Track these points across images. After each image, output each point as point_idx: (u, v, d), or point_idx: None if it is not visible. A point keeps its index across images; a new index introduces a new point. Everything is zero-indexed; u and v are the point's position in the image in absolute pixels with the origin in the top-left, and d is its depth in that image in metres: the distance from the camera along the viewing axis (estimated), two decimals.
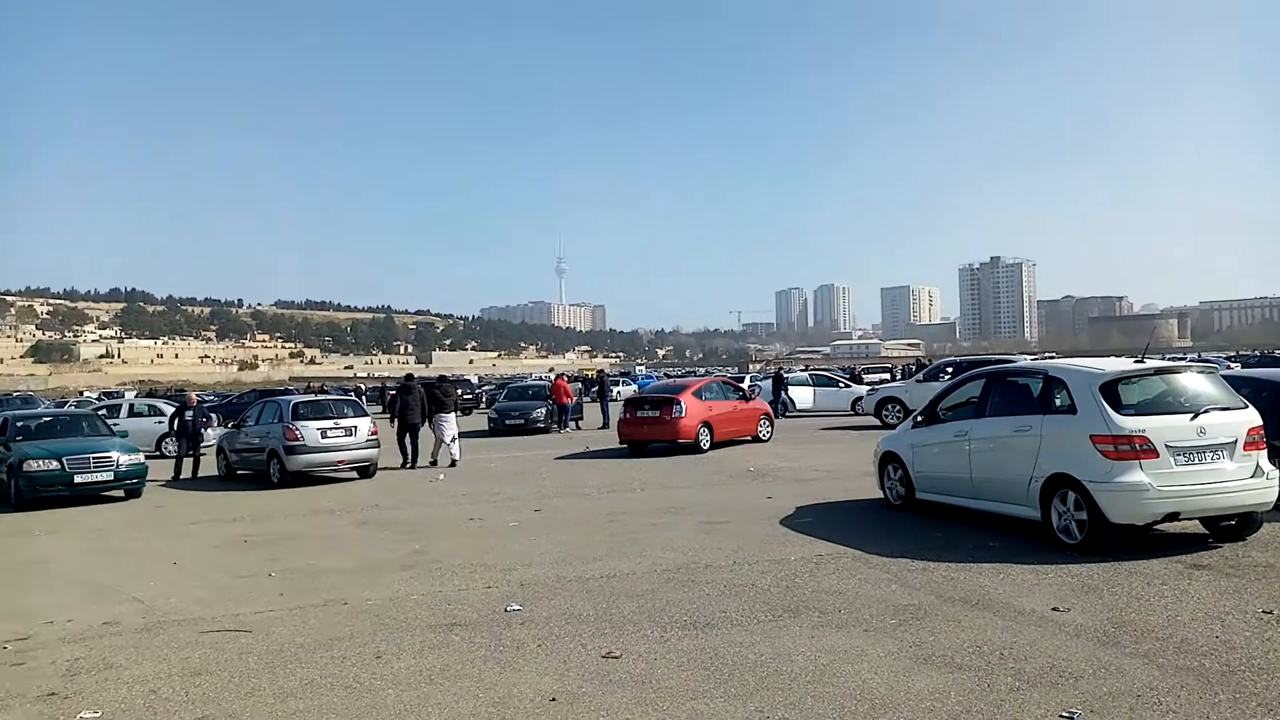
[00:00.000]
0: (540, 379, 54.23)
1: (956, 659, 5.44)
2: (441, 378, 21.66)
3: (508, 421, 27.35)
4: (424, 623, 6.72)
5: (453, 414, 18.78)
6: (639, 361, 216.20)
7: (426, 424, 18.47)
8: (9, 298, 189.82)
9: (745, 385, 24.70)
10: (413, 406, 18.39)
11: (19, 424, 16.15)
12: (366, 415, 17.46)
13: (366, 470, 16.87)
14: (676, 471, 15.80)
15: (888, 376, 49.05)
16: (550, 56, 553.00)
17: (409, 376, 20.59)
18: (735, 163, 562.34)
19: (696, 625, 6.36)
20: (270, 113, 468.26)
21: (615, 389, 35.90)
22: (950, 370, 22.49)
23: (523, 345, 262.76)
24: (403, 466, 18.09)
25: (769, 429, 20.76)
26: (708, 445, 18.59)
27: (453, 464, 18.09)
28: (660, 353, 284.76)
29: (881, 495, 11.18)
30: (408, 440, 18.34)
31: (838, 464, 15.95)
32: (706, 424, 18.69)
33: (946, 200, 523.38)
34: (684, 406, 18.40)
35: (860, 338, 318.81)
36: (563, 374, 35.70)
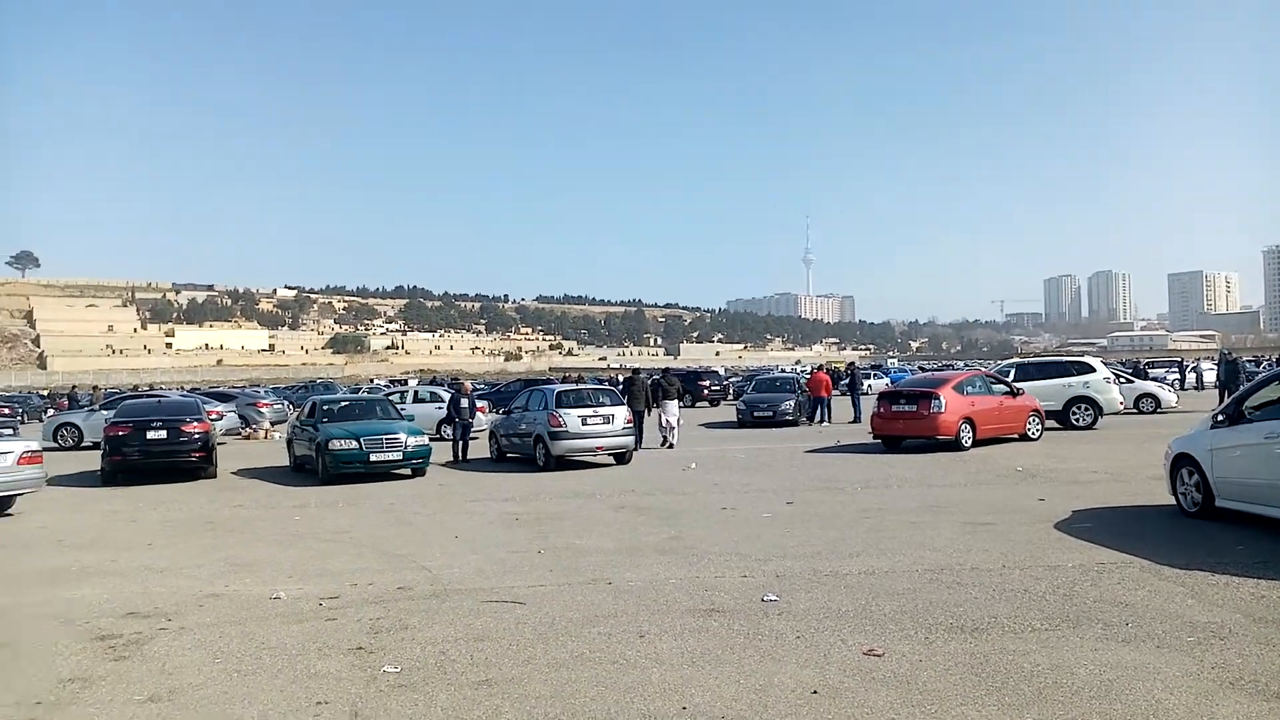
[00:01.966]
0: (786, 371, 53.94)
1: (1272, 687, 4.84)
2: (665, 370, 23.99)
3: (756, 414, 27.38)
4: (683, 606, 6.88)
5: (675, 401, 21.43)
6: (890, 354, 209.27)
7: (651, 411, 20.97)
8: (313, 295, 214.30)
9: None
10: (637, 395, 20.52)
11: (324, 407, 18.16)
12: (623, 404, 18.11)
13: (623, 456, 17.51)
14: (935, 469, 15.16)
15: (1179, 371, 44.41)
16: (800, 46, 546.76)
17: (635, 370, 23.72)
18: (996, 143, 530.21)
19: (963, 629, 6.07)
20: (537, 117, 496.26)
21: (866, 382, 34.96)
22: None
23: (769, 337, 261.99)
24: None
25: (1039, 426, 19.41)
26: (969, 443, 17.68)
27: (669, 446, 20.51)
28: (914, 345, 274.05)
29: (1173, 501, 10.15)
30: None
31: (1120, 465, 14.66)
32: (968, 420, 17.79)
33: (1245, 175, 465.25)
34: (944, 401, 17.61)
35: (1143, 328, 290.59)
36: (821, 366, 35.26)
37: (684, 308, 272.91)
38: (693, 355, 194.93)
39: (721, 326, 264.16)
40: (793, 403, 27.47)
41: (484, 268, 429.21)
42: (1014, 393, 19.46)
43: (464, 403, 19.60)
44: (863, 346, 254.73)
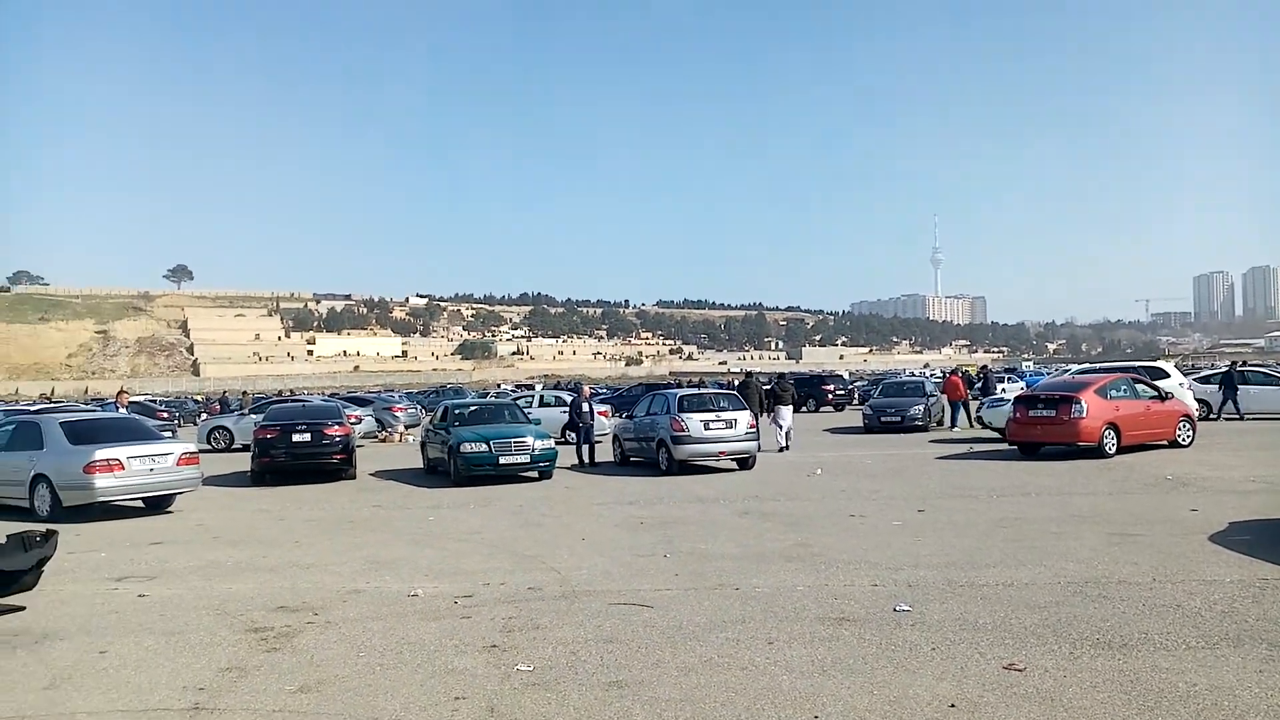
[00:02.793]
0: (915, 375, 52.49)
1: None
2: (780, 374, 24.04)
3: (883, 419, 26.75)
4: (812, 614, 6.78)
5: (789, 406, 21.64)
6: (1025, 356, 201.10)
7: (764, 415, 21.08)
8: (442, 304, 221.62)
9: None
10: (750, 399, 20.59)
11: (455, 412, 18.75)
12: (745, 409, 18.00)
13: (746, 461, 17.40)
14: (1076, 476, 14.47)
15: None
16: (926, 44, 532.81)
17: (747, 373, 25.07)
18: (1137, 137, 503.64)
19: (1111, 644, 5.78)
20: (656, 121, 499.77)
21: (999, 385, 33.68)
22: None
23: (895, 340, 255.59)
24: None
25: (1190, 432, 18.30)
26: (1113, 449, 16.81)
27: (783, 449, 20.62)
28: (1050, 347, 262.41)
29: None
30: None
31: None
32: (1112, 425, 16.90)
33: None
34: (1085, 405, 16.79)
35: None
36: (956, 369, 34.22)
37: (806, 310, 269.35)
38: (815, 359, 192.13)
39: (845, 329, 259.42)
40: (922, 407, 26.73)
41: (605, 274, 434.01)
42: (1162, 396, 18.41)
43: (584, 406, 19.86)
44: (995, 349, 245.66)
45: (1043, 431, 17.36)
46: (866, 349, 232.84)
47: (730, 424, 17.14)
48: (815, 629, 6.38)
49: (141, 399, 46.12)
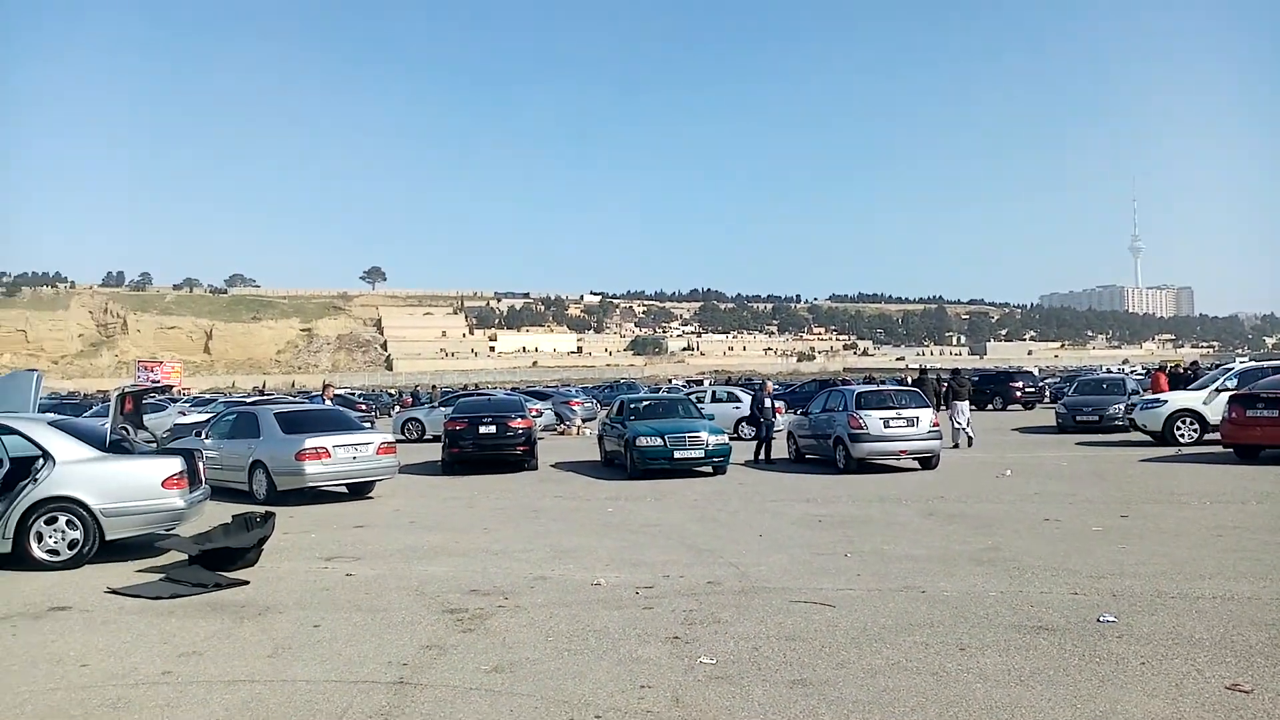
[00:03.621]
0: (1112, 371, 49.13)
1: None
2: (955, 370, 23.79)
3: (1078, 418, 25.18)
4: (1006, 621, 6.47)
5: (965, 402, 21.62)
6: (1239, 350, 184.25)
7: (940, 411, 20.63)
8: (615, 301, 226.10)
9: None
10: (925, 395, 20.13)
11: (631, 406, 19.08)
12: (928, 406, 17.40)
13: (929, 461, 16.82)
14: None
15: None
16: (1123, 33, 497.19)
17: (922, 370, 26.67)
18: None
19: None
20: (825, 115, 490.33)
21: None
22: None
23: (1089, 334, 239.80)
24: None
25: None
26: None
27: (960, 446, 20.51)
28: (1269, 341, 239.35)
29: None
30: None
31: None
32: None
33: None
34: None
35: None
36: (1162, 366, 31.81)
37: (990, 304, 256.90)
38: (1001, 354, 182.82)
39: (1033, 323, 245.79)
40: (1122, 406, 24.98)
41: (776, 269, 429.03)
42: None
43: (766, 403, 19.71)
44: (1204, 344, 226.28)
45: (1264, 433, 15.86)
46: (1057, 344, 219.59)
47: (912, 421, 16.61)
48: (1010, 637, 6.09)
49: (342, 392, 49.42)
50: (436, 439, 25.08)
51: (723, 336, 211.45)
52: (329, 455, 14.17)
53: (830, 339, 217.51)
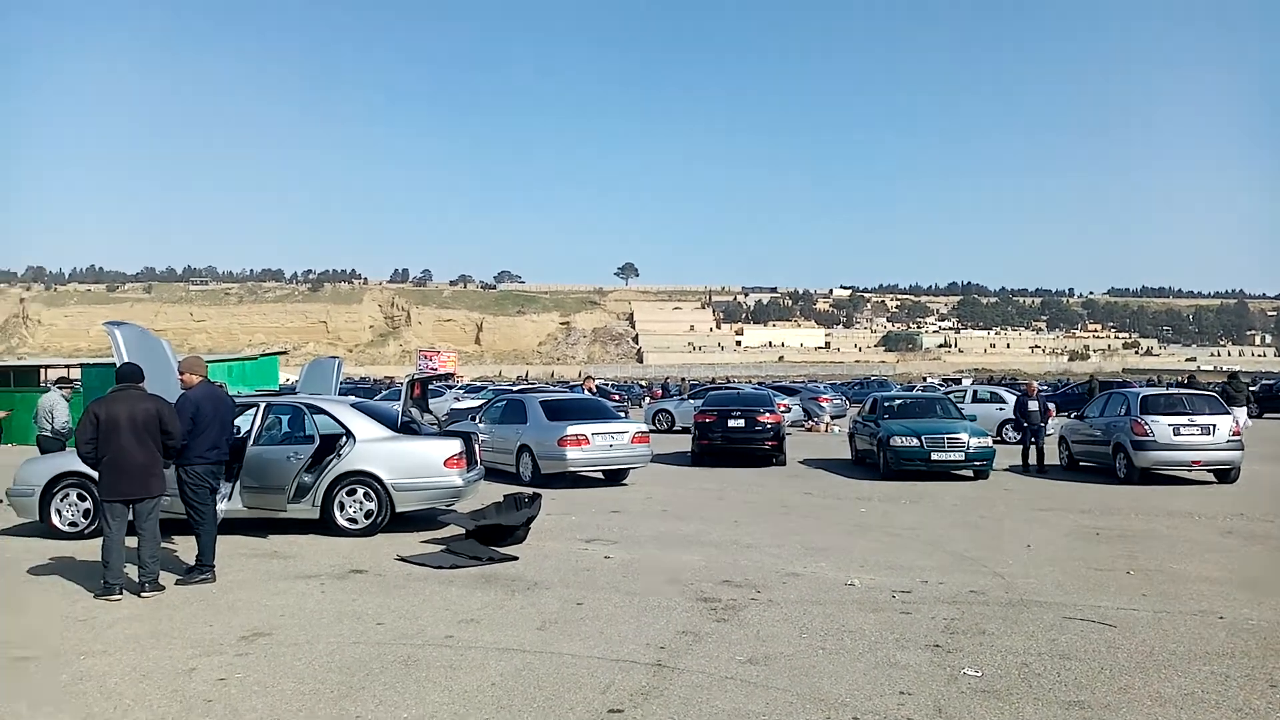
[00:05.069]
0: None
1: None
2: (1232, 374, 23.20)
3: None
4: None
5: (1242, 409, 20.47)
6: None
7: None
8: (866, 295, 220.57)
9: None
10: (1234, 400, 18.78)
11: (885, 404, 18.52)
12: (1228, 413, 15.60)
13: (1226, 474, 15.08)
14: None
15: None
16: None
17: (1232, 374, 24.61)
18: None
19: None
20: (1102, 93, 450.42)
21: None
22: None
23: None
24: None
25: None
26: None
27: None
28: None
29: None
30: None
31: None
32: None
33: None
34: None
35: None
36: None
37: None
38: None
39: None
40: None
41: (1045, 260, 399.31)
42: None
43: (1031, 405, 18.42)
44: None
45: None
46: None
47: (1207, 429, 14.94)
48: None
49: (598, 383, 51.61)
50: (685, 430, 25.60)
51: (983, 333, 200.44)
52: (588, 442, 14.85)
53: (1107, 336, 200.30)
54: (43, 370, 31.64)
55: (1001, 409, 24.21)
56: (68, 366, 34.83)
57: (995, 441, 18.97)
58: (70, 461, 9.81)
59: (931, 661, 5.74)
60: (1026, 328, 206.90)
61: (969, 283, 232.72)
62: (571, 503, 13.06)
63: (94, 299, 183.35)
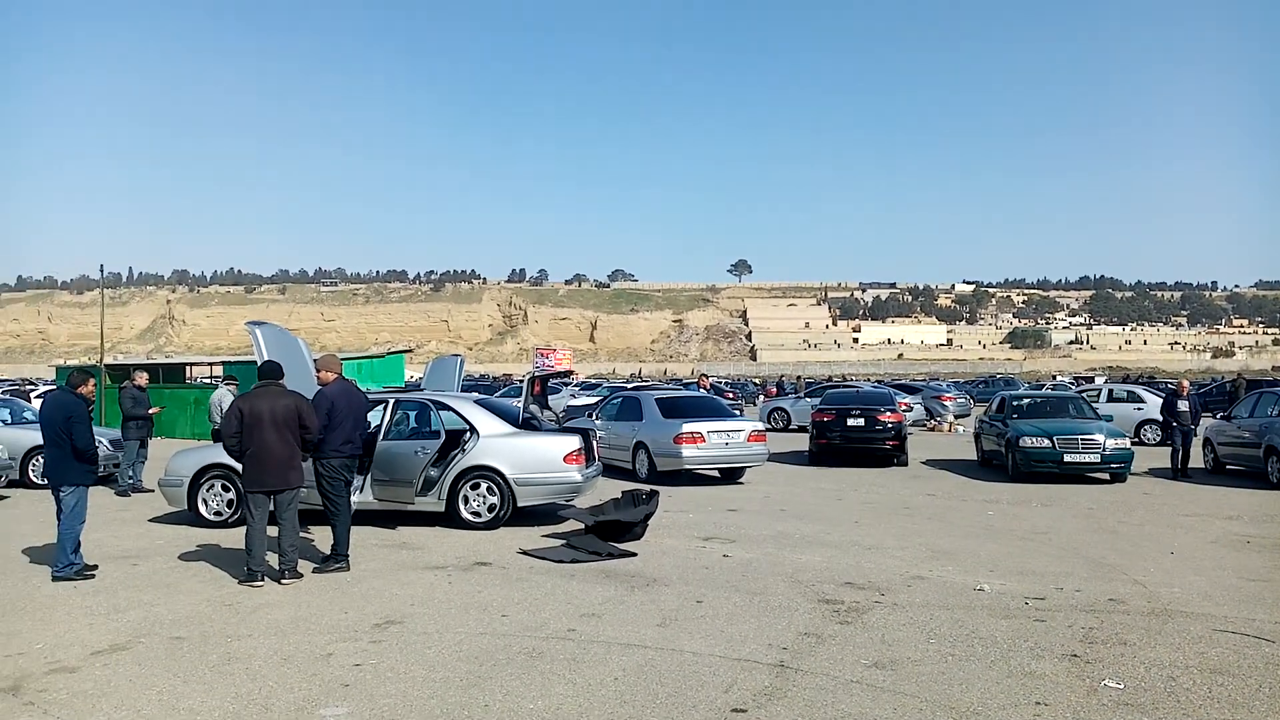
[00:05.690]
0: None
1: None
2: None
3: None
4: None
5: None
6: None
7: None
8: (990, 290, 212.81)
9: None
10: None
11: (1014, 403, 17.84)
12: None
13: None
14: None
15: None
16: None
17: None
18: None
19: None
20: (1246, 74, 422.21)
21: None
22: None
23: None
24: None
25: None
26: None
27: None
28: None
29: None
30: None
31: None
32: None
33: None
34: None
35: None
36: None
37: None
38: None
39: None
40: None
41: (1185, 251, 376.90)
42: None
43: (1181, 405, 17.33)
44: None
45: None
46: None
47: None
48: None
49: (713, 381, 51.52)
50: (801, 429, 25.28)
51: (1118, 329, 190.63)
52: (704, 440, 14.82)
53: (1254, 332, 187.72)
54: (188, 368, 33.71)
55: (1139, 409, 23.05)
56: (210, 364, 37.05)
57: (1133, 443, 18.02)
58: (215, 454, 10.41)
59: (1069, 672, 5.49)
60: (1165, 323, 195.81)
61: (1102, 276, 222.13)
62: (688, 500, 13.06)
63: (233, 300, 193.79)
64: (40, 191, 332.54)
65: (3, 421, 15.42)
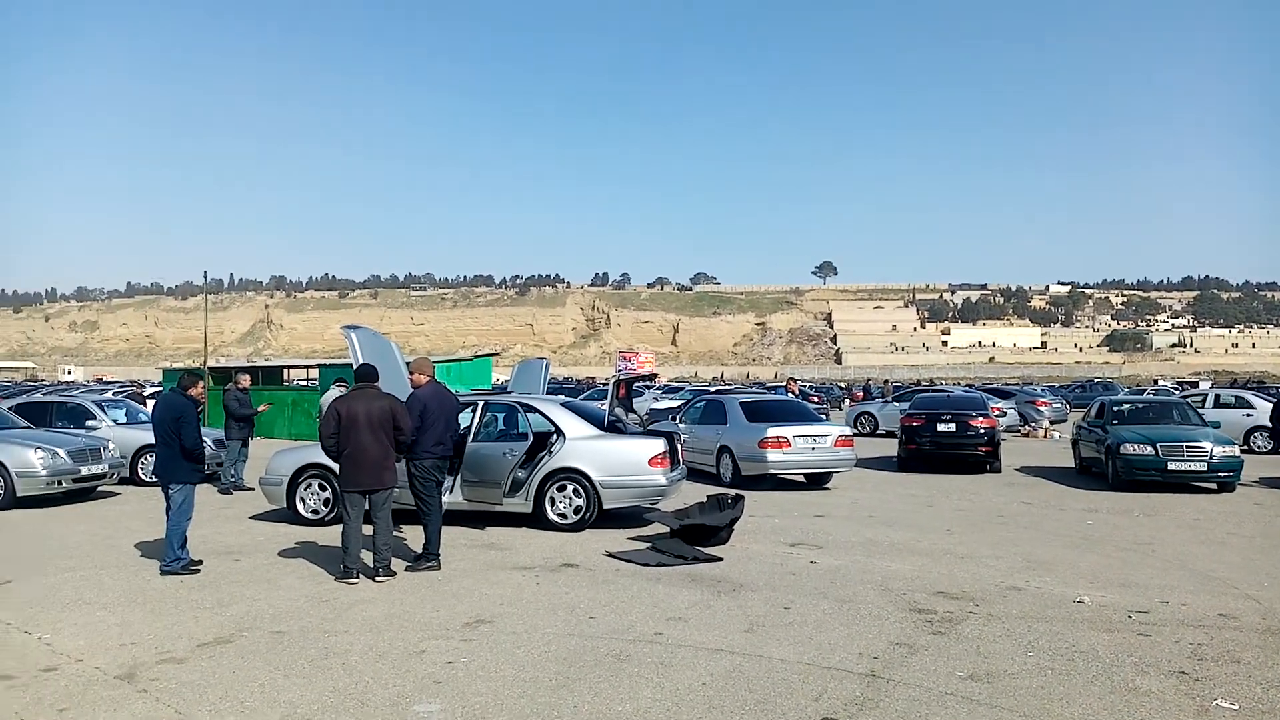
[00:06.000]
0: None
1: None
2: None
3: None
4: None
5: None
6: None
7: None
8: (1087, 291, 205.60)
9: None
10: None
11: (1114, 408, 17.19)
12: None
13: None
14: None
15: None
16: None
17: None
18: None
19: None
20: None
21: None
22: None
23: None
24: None
25: None
26: None
27: None
28: None
29: None
30: None
31: None
32: None
33: None
34: None
35: None
36: None
37: None
38: None
39: None
40: None
41: None
42: None
43: None
44: None
45: None
46: None
47: None
48: None
49: (800, 385, 50.97)
50: (889, 434, 24.85)
51: (1224, 331, 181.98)
52: (789, 445, 14.67)
53: None
54: (286, 370, 34.88)
55: (1248, 415, 21.97)
56: (306, 367, 38.29)
57: (1241, 451, 17.23)
58: (313, 454, 10.74)
59: (1177, 689, 5.26)
60: (1276, 325, 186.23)
61: (1207, 276, 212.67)
62: (774, 505, 12.95)
63: (327, 305, 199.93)
64: (145, 199, 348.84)
65: (117, 422, 16.19)
